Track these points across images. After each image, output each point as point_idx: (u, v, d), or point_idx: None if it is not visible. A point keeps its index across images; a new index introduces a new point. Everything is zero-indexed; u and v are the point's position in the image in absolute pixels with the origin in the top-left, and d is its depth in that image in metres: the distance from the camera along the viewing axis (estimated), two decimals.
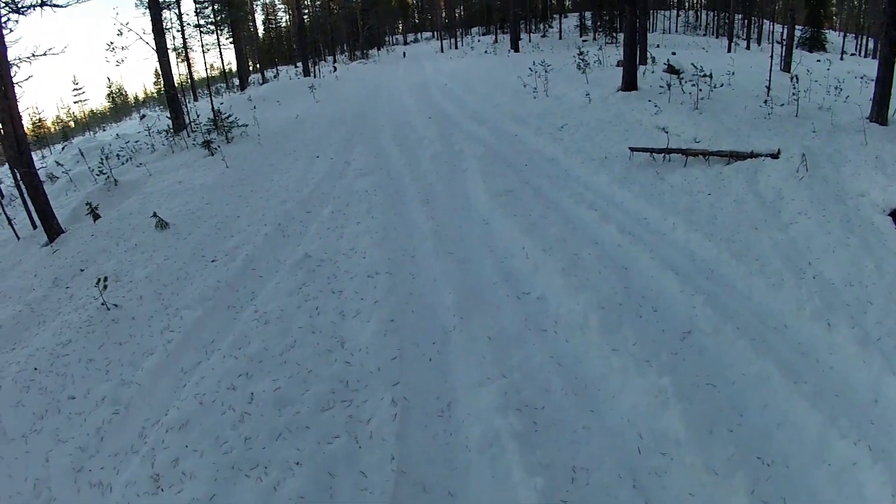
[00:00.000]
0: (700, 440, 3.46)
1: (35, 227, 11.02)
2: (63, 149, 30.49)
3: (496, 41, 44.25)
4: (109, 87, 72.88)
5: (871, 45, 46.30)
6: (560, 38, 42.72)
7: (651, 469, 3.44)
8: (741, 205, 6.81)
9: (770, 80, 11.51)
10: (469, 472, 3.59)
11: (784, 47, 19.75)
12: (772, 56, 13.20)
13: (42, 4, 10.81)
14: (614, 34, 35.91)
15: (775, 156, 7.79)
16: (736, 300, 5.01)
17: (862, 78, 12.30)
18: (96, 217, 10.16)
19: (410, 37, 72.17)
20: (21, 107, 10.74)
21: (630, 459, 3.52)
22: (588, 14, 44.77)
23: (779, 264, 5.34)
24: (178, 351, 5.29)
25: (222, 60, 44.01)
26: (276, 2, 64.88)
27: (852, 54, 40.39)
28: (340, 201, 8.66)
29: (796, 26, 27.54)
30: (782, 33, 20.19)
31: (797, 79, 10.32)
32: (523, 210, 7.28)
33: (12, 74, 10.25)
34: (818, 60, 18.78)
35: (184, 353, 5.26)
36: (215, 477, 3.61)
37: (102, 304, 6.36)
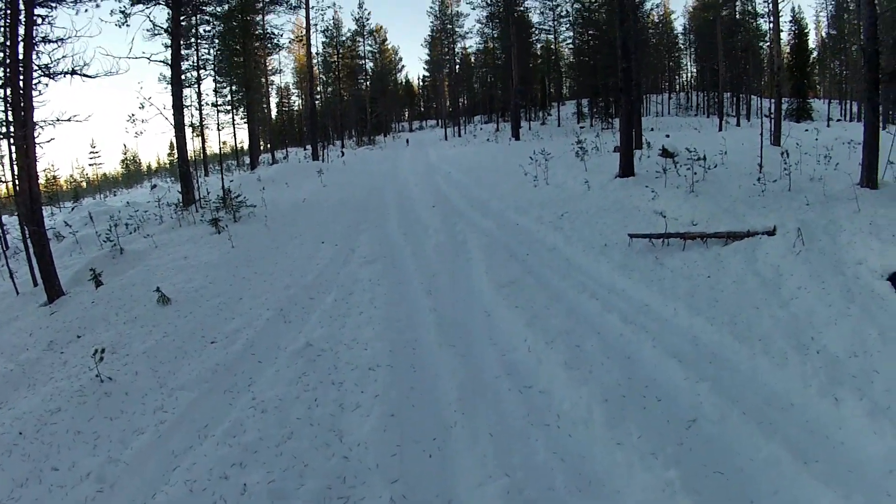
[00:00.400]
0: None
1: (36, 284, 11.07)
2: (73, 209, 30.94)
3: (498, 129, 46.03)
4: (125, 153, 74.92)
5: (854, 110, 48.35)
6: (559, 125, 44.54)
7: None
8: (741, 285, 6.89)
9: (761, 157, 11.96)
10: None
11: (773, 121, 20.27)
12: (762, 132, 13.66)
13: (73, 73, 11.35)
14: (610, 119, 37.52)
15: (771, 233, 7.94)
16: (741, 383, 4.99)
17: (849, 143, 12.82)
18: (98, 284, 10.22)
19: (416, 124, 74.94)
20: (39, 167, 11.07)
21: None
22: (585, 101, 46.93)
23: (782, 342, 5.35)
24: (170, 432, 5.19)
25: (235, 138, 45.57)
26: (291, 86, 67.87)
27: (838, 120, 42.29)
28: (344, 289, 8.74)
29: (783, 98, 28.62)
30: (770, 107, 20.96)
31: (787, 153, 10.71)
32: (526, 301, 7.32)
33: (35, 135, 10.63)
34: (806, 130, 19.54)
35: (176, 435, 5.16)
36: None
37: (97, 375, 6.29)
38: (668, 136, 24.06)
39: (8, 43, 10.55)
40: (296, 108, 69.07)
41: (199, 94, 26.86)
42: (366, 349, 6.49)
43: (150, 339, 7.36)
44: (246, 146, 43.44)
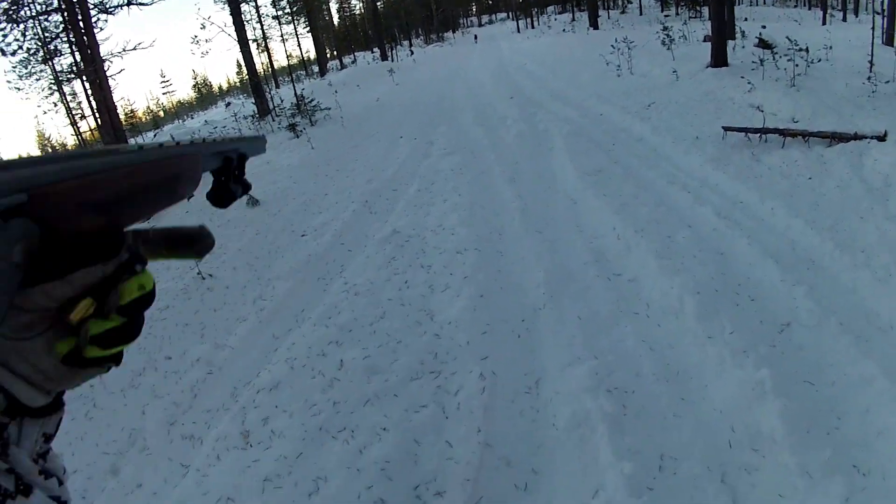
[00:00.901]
0: (797, 440, 3.14)
1: None
2: (154, 136, 32.14)
3: (573, 19, 43.16)
4: (195, 78, 76.54)
5: None
6: (640, 13, 41.14)
7: (741, 465, 3.17)
8: (845, 190, 6.23)
9: (872, 55, 10.60)
10: (555, 451, 3.43)
11: (885, 18, 17.75)
12: (873, 28, 12.10)
13: (129, 4, 11.37)
14: (698, 8, 34.21)
15: (882, 138, 7.07)
16: (839, 294, 4.54)
17: None
18: (190, 196, 10.59)
19: (485, 18, 71.41)
20: (115, 98, 11.36)
21: (720, 453, 3.26)
22: None
23: (886, 258, 4.80)
24: (270, 318, 5.39)
25: (300, 49, 45.27)
26: None
27: None
28: (426, 180, 8.61)
29: None
30: (882, 2, 18.46)
31: None
32: (613, 190, 6.96)
33: (105, 68, 10.84)
34: None
35: (275, 320, 5.36)
36: (303, 437, 3.63)
37: (198, 273, 6.59)
38: (764, 26, 21.59)
39: None
40: (357, 11, 67.38)
41: (257, 8, 26.57)
42: (452, 234, 6.39)
43: (244, 238, 7.60)
44: (312, 55, 43.12)
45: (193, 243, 0.58)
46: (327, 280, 5.94)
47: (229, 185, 0.74)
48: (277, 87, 35.09)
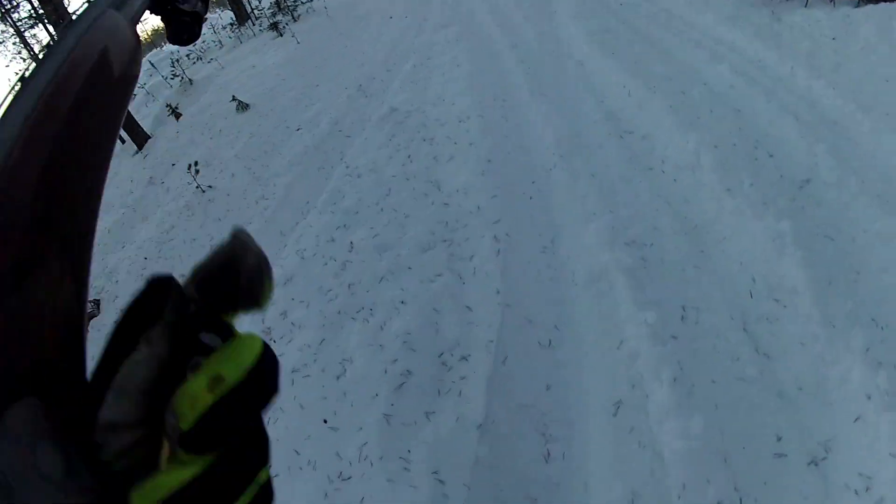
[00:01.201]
0: (818, 290, 2.96)
1: (123, 141, 11.40)
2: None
3: None
4: None
5: None
6: None
7: (762, 315, 3.02)
8: (871, 54, 5.54)
9: None
10: (576, 306, 3.30)
11: None
12: None
13: None
14: None
15: None
16: (860, 155, 4.11)
17: None
18: (178, 116, 10.25)
19: None
20: None
21: (741, 303, 3.11)
22: None
23: None
24: (275, 216, 5.21)
25: None
26: None
27: None
28: (421, 55, 8.06)
29: None
30: None
31: None
32: (622, 50, 6.36)
33: (66, 4, 10.21)
34: None
35: (280, 217, 5.18)
36: (323, 323, 3.51)
37: (197, 187, 6.38)
38: None
39: None
40: None
41: None
42: (453, 104, 6.00)
43: (237, 144, 7.31)
44: None
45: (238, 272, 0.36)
46: (328, 169, 5.66)
47: (177, 8, 0.59)
48: None
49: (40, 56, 0.43)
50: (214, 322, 0.34)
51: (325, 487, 2.77)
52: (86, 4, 0.48)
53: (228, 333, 0.34)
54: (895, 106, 4.56)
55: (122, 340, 0.32)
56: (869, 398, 2.44)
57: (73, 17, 0.46)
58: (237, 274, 0.36)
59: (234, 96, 8.65)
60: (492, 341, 3.06)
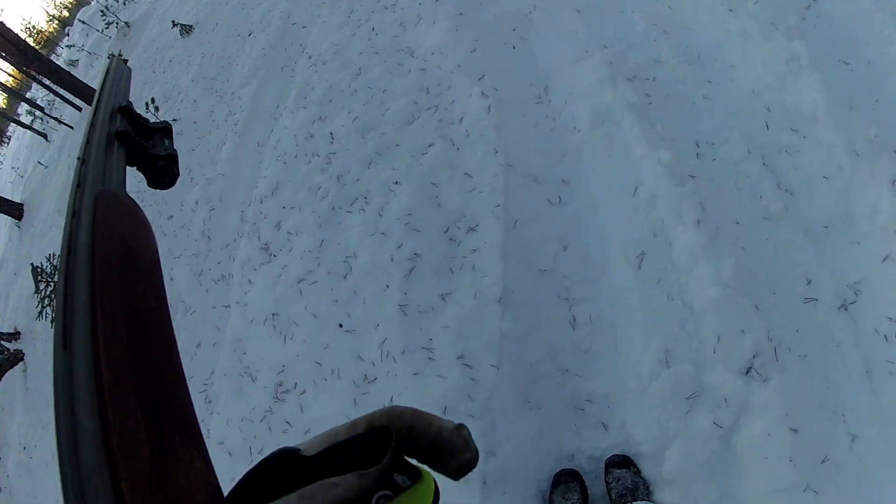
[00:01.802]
0: (839, 116, 2.61)
1: (80, 109, 10.83)
2: (67, 34, 29.55)
3: None
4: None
5: None
6: None
7: (781, 146, 2.71)
8: None
9: None
10: (582, 154, 2.98)
11: None
12: None
13: None
14: None
15: None
16: None
17: None
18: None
19: None
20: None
21: (758, 135, 2.79)
22: None
23: None
24: (248, 129, 4.86)
25: None
26: None
27: None
28: None
29: None
30: None
31: None
32: None
33: None
34: None
35: (254, 128, 4.84)
36: (319, 224, 3.25)
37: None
38: None
39: None
40: None
41: None
42: None
43: (192, 68, 6.80)
44: None
45: (451, 458, 0.44)
46: (291, 66, 5.20)
47: (149, 152, 0.62)
48: None
49: (58, 256, 0.44)
50: (404, 465, 0.40)
51: (353, 394, 2.60)
52: (75, 191, 0.50)
53: (416, 474, 0.41)
54: None
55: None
56: None
57: (71, 208, 0.47)
58: (448, 460, 0.43)
59: (173, 21, 7.98)
60: (498, 206, 2.77)
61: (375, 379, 2.58)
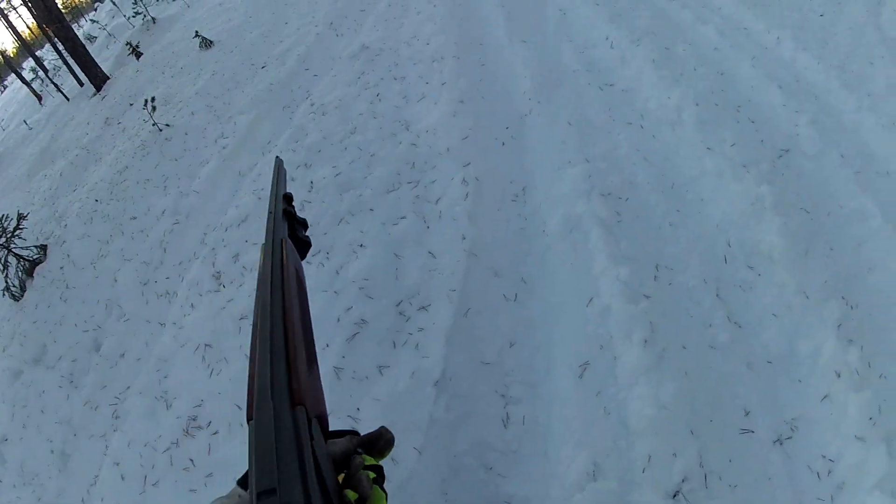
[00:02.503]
0: (794, 260, 2.78)
1: (82, 84, 10.81)
2: (96, 8, 29.89)
3: None
4: None
5: None
6: None
7: (737, 282, 2.84)
8: (858, 35, 5.18)
9: None
10: (546, 258, 3.07)
11: None
12: None
13: None
14: None
15: None
16: (841, 131, 3.83)
17: None
18: (139, 55, 9.74)
19: None
20: None
21: (716, 268, 2.92)
22: None
23: (893, 107, 4.04)
24: (234, 155, 4.89)
25: None
26: None
27: None
28: None
29: None
30: None
31: None
32: (606, 1, 5.99)
33: None
34: None
35: (239, 156, 4.87)
36: None
37: (153, 125, 5.97)
38: None
39: None
40: None
41: None
42: (428, 44, 5.61)
43: (199, 81, 6.87)
44: None
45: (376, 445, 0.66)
46: (293, 107, 5.30)
47: (298, 234, 0.85)
48: None
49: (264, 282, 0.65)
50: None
51: None
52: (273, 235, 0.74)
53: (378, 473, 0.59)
54: (879, 88, 4.29)
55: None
56: (839, 376, 2.28)
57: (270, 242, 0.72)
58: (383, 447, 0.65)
59: (196, 32, 8.13)
60: (454, 291, 2.80)
61: None
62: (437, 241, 3.08)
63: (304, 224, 0.89)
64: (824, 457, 2.11)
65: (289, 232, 0.83)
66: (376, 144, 4.01)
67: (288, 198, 0.90)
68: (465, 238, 3.04)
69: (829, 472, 2.08)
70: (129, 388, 3.50)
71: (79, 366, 3.93)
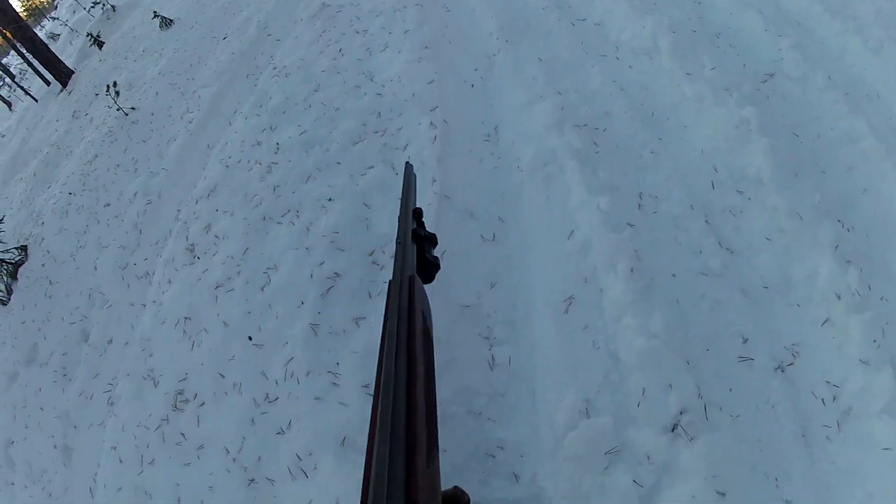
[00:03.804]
0: (784, 182, 2.64)
1: (49, 83, 10.62)
2: (56, 6, 29.26)
3: None
4: None
5: None
6: None
7: (726, 207, 2.72)
8: None
9: None
10: (521, 195, 2.96)
11: None
12: None
13: None
14: None
15: None
16: (825, 55, 3.61)
17: None
18: (100, 45, 9.58)
19: None
20: None
21: (703, 194, 2.79)
22: None
23: (880, 32, 3.79)
24: (201, 129, 4.78)
25: None
26: None
27: None
28: None
29: None
30: None
31: None
32: None
33: None
34: None
35: (206, 128, 4.76)
36: (247, 231, 3.17)
37: (118, 109, 5.84)
38: None
39: None
40: None
41: None
42: None
43: (161, 61, 6.71)
44: None
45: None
46: (255, 74, 5.15)
47: (427, 256, 0.82)
48: None
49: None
50: None
51: (252, 412, 2.48)
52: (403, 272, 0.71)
53: None
54: (864, 13, 4.06)
55: None
56: (839, 298, 2.17)
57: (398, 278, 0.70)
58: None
59: (155, 13, 7.90)
60: None
61: (276, 399, 2.47)
62: None
63: (433, 241, 0.86)
64: (828, 382, 2.03)
65: (417, 258, 0.79)
66: (340, 99, 3.88)
67: (417, 214, 0.86)
68: (434, 181, 2.93)
69: (835, 397, 2.00)
70: (120, 373, 3.46)
71: (70, 359, 3.89)
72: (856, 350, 2.03)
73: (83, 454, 3.50)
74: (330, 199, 3.01)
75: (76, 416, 3.68)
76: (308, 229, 2.92)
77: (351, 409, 2.24)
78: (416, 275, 0.73)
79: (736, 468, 1.89)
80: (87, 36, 9.84)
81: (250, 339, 2.69)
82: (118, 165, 5.11)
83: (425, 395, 0.56)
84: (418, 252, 0.80)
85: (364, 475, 0.50)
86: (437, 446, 0.55)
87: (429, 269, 0.82)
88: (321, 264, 2.70)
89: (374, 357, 1.91)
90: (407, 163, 1.00)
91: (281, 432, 2.36)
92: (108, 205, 4.74)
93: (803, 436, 1.98)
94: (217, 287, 3.01)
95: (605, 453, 1.97)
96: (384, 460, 0.48)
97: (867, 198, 2.70)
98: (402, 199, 0.87)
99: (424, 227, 0.86)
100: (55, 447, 3.65)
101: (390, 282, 0.68)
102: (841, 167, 2.86)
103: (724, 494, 1.82)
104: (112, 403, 3.47)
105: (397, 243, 0.75)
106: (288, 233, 2.96)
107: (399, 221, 0.80)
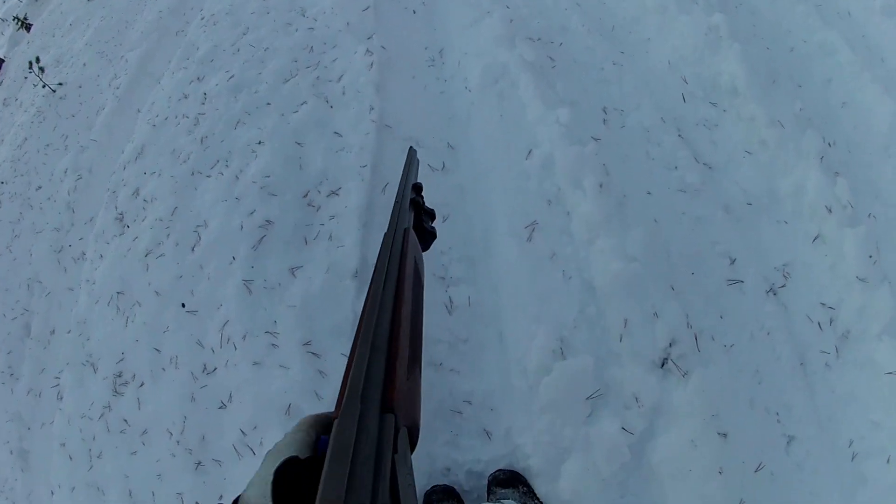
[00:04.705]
0: (762, 90, 2.41)
1: None
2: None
3: None
4: None
5: None
6: None
7: (699, 120, 2.50)
8: None
9: None
10: (471, 117, 2.67)
11: None
12: None
13: None
14: None
15: None
16: None
17: None
18: (28, 27, 8.99)
19: None
20: None
21: (674, 107, 2.56)
22: None
23: None
24: (129, 94, 4.39)
25: None
26: None
27: None
28: None
29: None
30: None
31: None
32: None
33: None
34: None
35: (135, 92, 4.37)
36: (175, 190, 2.85)
37: (44, 86, 5.41)
38: None
39: None
40: None
41: None
42: None
43: (89, 32, 6.23)
44: None
45: None
46: (184, 32, 4.75)
47: (423, 224, 0.85)
48: None
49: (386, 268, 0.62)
50: None
51: (191, 387, 2.19)
52: (398, 226, 0.72)
53: None
54: None
55: None
56: (830, 211, 1.97)
57: (392, 230, 0.71)
58: None
59: None
60: (365, 166, 2.42)
61: (215, 370, 2.20)
62: (343, 119, 2.67)
63: (431, 214, 0.88)
64: (823, 304, 1.86)
65: (414, 222, 0.80)
66: (270, 38, 3.53)
67: (417, 187, 0.89)
68: (373, 109, 2.63)
69: (831, 320, 1.84)
70: (66, 363, 3.19)
71: (14, 356, 3.60)
72: (851, 267, 1.86)
73: (39, 456, 3.24)
74: (260, 143, 2.70)
75: (28, 416, 3.41)
76: (237, 178, 2.61)
77: (292, 371, 1.98)
78: (412, 229, 0.74)
79: (735, 405, 1.71)
80: (14, 20, 9.26)
81: (183, 305, 2.39)
82: (48, 145, 4.72)
83: (411, 321, 0.55)
84: (416, 219, 0.81)
85: (342, 382, 0.47)
86: (420, 367, 0.53)
87: (425, 237, 0.83)
88: (252, 213, 2.40)
89: (312, 309, 1.63)
90: (411, 147, 1.02)
91: (222, 406, 2.09)
92: (40, 187, 4.38)
93: (801, 364, 1.82)
94: (147, 254, 2.71)
95: (587, 399, 1.75)
96: (363, 362, 0.47)
97: (847, 111, 2.49)
98: (403, 172, 0.88)
99: (424, 202, 0.88)
100: (11, 452, 3.38)
101: (385, 234, 0.68)
102: (818, 80, 2.65)
103: (725, 436, 1.63)
104: (61, 398, 3.21)
105: (395, 203, 0.77)
106: (217, 185, 2.65)
107: (399, 190, 0.81)
